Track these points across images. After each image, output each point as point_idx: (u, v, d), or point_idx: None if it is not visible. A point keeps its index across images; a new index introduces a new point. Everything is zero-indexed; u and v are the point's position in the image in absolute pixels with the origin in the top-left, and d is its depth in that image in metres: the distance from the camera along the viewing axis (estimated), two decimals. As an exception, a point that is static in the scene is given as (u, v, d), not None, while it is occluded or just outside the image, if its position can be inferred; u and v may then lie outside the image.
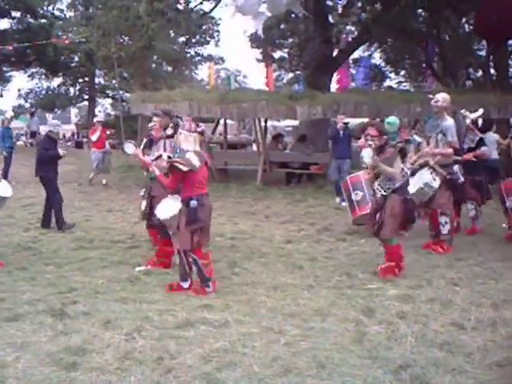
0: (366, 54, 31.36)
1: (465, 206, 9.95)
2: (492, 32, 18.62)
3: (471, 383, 4.37)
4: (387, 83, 34.26)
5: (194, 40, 37.91)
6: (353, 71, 31.90)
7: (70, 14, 40.09)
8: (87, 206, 12.96)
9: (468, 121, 9.54)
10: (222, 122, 20.47)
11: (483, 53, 27.52)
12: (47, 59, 37.44)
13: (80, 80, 43.91)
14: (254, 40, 27.98)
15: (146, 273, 7.36)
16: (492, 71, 26.02)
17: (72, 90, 44.73)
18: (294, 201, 13.84)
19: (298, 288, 6.76)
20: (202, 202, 6.43)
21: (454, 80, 25.42)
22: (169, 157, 6.77)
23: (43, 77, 43.49)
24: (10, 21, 38.57)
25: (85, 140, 33.28)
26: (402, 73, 35.52)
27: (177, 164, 6.28)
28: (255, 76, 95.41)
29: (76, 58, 41.12)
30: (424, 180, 8.29)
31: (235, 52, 63.56)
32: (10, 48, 30.74)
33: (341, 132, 13.12)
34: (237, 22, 33.68)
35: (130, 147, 7.62)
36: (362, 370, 4.53)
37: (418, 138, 10.25)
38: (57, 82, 43.88)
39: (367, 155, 7.09)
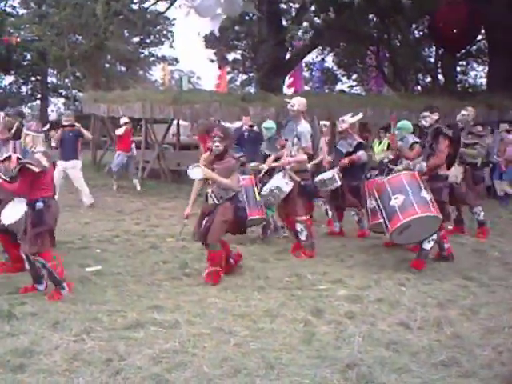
0: (319, 57, 31.68)
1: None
2: (451, 41, 19.02)
3: (417, 382, 4.46)
4: (339, 87, 34.72)
5: (148, 40, 37.77)
6: (306, 74, 32.14)
7: (22, 11, 39.45)
8: (37, 206, 12.74)
9: (345, 125, 9.56)
10: (174, 123, 20.45)
11: (432, 59, 28.14)
12: (-2, 57, 36.75)
13: (32, 78, 43.23)
14: (209, 41, 28.02)
15: (96, 273, 7.29)
16: (440, 77, 26.65)
17: (24, 88, 44.03)
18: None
19: (248, 289, 6.79)
20: (49, 204, 6.31)
21: (404, 85, 25.93)
22: (18, 158, 6.68)
23: (-6, 75, 42.68)
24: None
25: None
26: (354, 77, 36.02)
27: (28, 165, 6.09)
28: (209, 77, 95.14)
29: (28, 57, 40.47)
30: (275, 183, 8.30)
31: (189, 53, 63.34)
32: None
33: (245, 134, 12.70)
34: (191, 22, 33.67)
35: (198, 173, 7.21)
36: (310, 370, 4.59)
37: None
38: (8, 80, 43.15)
39: (197, 173, 7.08)
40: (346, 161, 9.48)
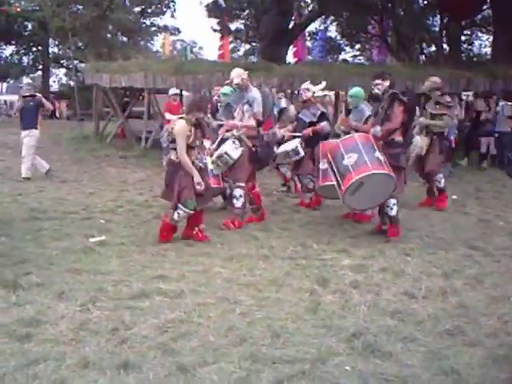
0: (322, 26, 31.37)
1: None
2: (458, 8, 18.78)
3: (422, 351, 4.47)
4: (342, 56, 34.43)
5: (149, 10, 37.37)
6: (309, 44, 31.87)
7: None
8: (41, 177, 12.73)
9: (309, 94, 9.43)
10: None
11: (436, 28, 27.83)
12: (-1, 27, 36.47)
13: (34, 49, 42.93)
14: (211, 10, 27.73)
15: (100, 244, 7.27)
16: (445, 46, 26.39)
17: (25, 59, 43.75)
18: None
19: (253, 258, 6.79)
20: None
21: (408, 54, 25.71)
22: None
23: (-5, 45, 42.41)
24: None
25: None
26: (357, 46, 35.70)
27: None
28: (211, 47, 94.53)
29: (29, 27, 40.16)
30: (224, 148, 8.17)
31: (191, 23, 62.92)
32: None
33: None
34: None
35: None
36: (316, 339, 4.59)
37: (282, 103, 10.42)
38: (9, 50, 42.88)
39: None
40: (308, 131, 9.37)
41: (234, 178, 8.39)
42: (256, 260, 6.72)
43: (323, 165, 8.58)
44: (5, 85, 45.91)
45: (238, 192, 8.27)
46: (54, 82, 49.48)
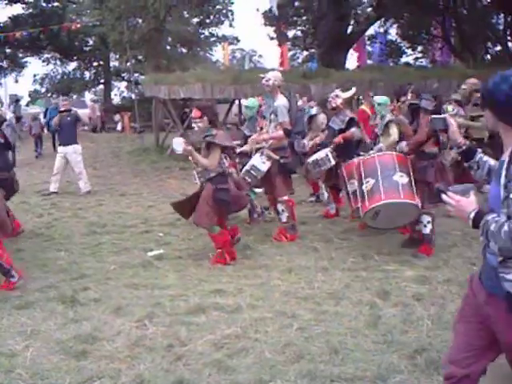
0: (382, 30, 30.94)
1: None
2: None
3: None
4: (404, 59, 33.85)
5: (207, 20, 37.63)
6: (369, 48, 31.49)
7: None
8: (101, 190, 12.92)
9: (340, 101, 8.84)
10: (236, 102, 20.37)
11: (501, 26, 27.09)
12: (61, 44, 37.45)
13: (95, 64, 43.85)
14: (268, 18, 27.74)
15: (158, 257, 7.29)
16: (510, 44, 25.64)
17: (87, 73, 44.74)
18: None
19: (312, 270, 6.65)
20: None
21: (472, 55, 25.05)
22: None
23: (58, 62, 43.50)
24: (23, 5, 38.52)
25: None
26: (419, 48, 35.05)
27: None
28: (270, 56, 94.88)
29: (90, 42, 41.07)
30: (252, 162, 7.88)
31: (250, 32, 63.15)
32: (17, 34, 30.36)
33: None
34: (251, 0, 33.38)
35: (178, 144, 6.97)
36: (376, 355, 4.43)
37: (313, 110, 10.01)
38: (72, 66, 43.93)
39: (178, 144, 6.81)
40: (339, 138, 8.80)
41: (275, 195, 8.21)
42: (315, 272, 6.59)
43: (351, 186, 8.10)
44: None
45: (279, 207, 8.10)
46: (116, 95, 50.44)
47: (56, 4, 38.09)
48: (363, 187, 7.21)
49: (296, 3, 26.51)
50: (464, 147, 3.40)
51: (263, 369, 4.28)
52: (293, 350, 4.56)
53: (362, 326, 5.02)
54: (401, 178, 7.02)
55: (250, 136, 8.83)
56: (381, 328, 4.97)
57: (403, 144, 7.27)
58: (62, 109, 12.89)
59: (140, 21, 23.28)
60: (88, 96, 46.44)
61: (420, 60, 35.43)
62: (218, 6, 33.68)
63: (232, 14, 36.25)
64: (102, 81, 44.27)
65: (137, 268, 6.85)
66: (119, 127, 34.53)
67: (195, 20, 35.60)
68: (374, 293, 5.83)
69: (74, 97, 46.21)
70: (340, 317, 5.24)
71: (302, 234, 8.37)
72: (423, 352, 4.43)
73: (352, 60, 27.47)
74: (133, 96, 26.75)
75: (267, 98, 8.43)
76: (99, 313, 5.44)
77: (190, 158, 6.94)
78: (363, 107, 12.11)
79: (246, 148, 8.67)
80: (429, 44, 32.97)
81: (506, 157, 2.76)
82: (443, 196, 2.89)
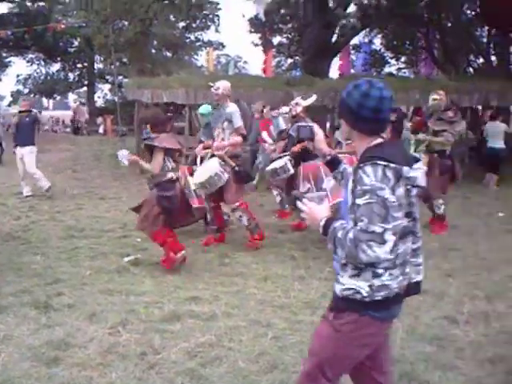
0: (366, 39, 31.08)
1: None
2: (501, 20, 18.30)
3: (462, 380, 4.27)
4: (387, 69, 34.01)
5: (194, 25, 37.62)
6: (353, 57, 31.62)
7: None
8: (80, 194, 12.84)
9: (299, 108, 8.67)
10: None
11: (484, 39, 27.32)
12: (45, 44, 37.27)
13: (79, 65, 43.68)
14: (254, 24, 27.76)
15: (134, 263, 7.24)
16: (493, 58, 25.87)
17: (71, 75, 44.53)
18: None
19: (288, 279, 6.65)
20: None
21: (455, 67, 25.24)
22: None
23: (42, 62, 43.28)
24: (9, 5, 38.30)
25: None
26: (403, 59, 35.25)
27: None
28: (256, 62, 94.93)
29: (75, 43, 40.91)
30: (213, 170, 7.76)
31: (236, 38, 63.14)
32: (1, 34, 30.10)
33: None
34: (237, 6, 33.41)
35: (123, 156, 6.89)
36: (349, 367, 4.42)
37: (281, 124, 9.87)
38: (56, 67, 43.73)
39: (123, 156, 6.76)
40: (297, 147, 8.54)
41: (226, 201, 8.15)
42: (291, 281, 6.59)
43: (303, 187, 8.16)
44: (51, 101, 46.85)
45: (237, 214, 8.05)
46: (99, 97, 50.22)
47: (42, 4, 37.85)
48: (324, 185, 7.40)
49: (282, 10, 26.54)
50: (329, 157, 3.44)
51: (236, 378, 4.26)
52: (266, 359, 4.55)
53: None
54: None
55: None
56: (355, 339, 4.96)
57: None
58: (22, 109, 12.65)
59: (126, 23, 23.15)
60: (71, 97, 46.32)
61: (403, 70, 35.65)
62: (204, 11, 33.65)
63: (218, 20, 36.36)
64: (86, 83, 44.11)
65: (112, 273, 6.79)
66: (101, 130, 34.41)
67: (181, 24, 35.58)
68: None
69: (58, 98, 46.06)
70: (315, 326, 5.19)
71: (280, 242, 8.37)
72: (397, 363, 4.42)
73: (335, 69, 27.53)
74: (116, 99, 26.60)
75: (216, 107, 8.46)
76: (72, 319, 5.38)
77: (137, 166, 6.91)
78: None
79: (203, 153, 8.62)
80: (412, 55, 33.18)
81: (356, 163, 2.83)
82: (298, 203, 2.95)
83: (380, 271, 2.74)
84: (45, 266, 7.08)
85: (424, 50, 28.77)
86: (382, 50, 33.31)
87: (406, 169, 2.71)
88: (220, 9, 35.74)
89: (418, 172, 2.80)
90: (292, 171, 8.52)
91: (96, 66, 43.07)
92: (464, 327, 5.24)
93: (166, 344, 4.83)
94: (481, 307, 5.73)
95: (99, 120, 35.83)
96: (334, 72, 26.22)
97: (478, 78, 19.00)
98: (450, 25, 26.00)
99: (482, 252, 7.84)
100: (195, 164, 8.92)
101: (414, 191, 2.80)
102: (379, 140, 2.86)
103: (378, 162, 2.66)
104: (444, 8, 23.78)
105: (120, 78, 30.32)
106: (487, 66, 25.92)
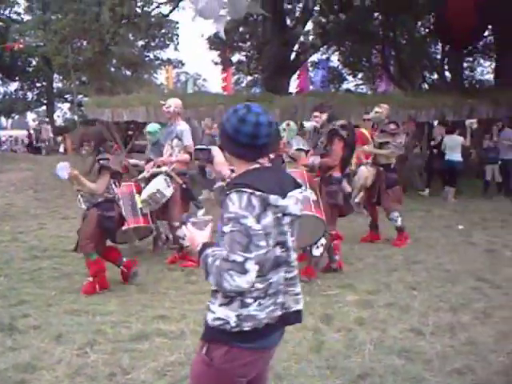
0: (324, 56, 31.50)
1: None
2: (459, 38, 18.70)
3: (430, 391, 4.33)
4: (345, 86, 34.49)
5: (153, 43, 37.66)
6: (311, 74, 31.98)
7: (27, 17, 39.54)
8: (42, 214, 12.67)
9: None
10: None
11: (438, 56, 27.91)
12: (3, 63, 36.84)
13: (38, 84, 43.30)
14: (213, 43, 27.91)
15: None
16: (447, 74, 26.43)
17: (30, 94, 44.12)
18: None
19: (255, 295, 6.63)
20: None
21: (410, 83, 25.73)
22: None
23: (0, 81, 42.82)
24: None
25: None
26: (360, 75, 35.79)
27: None
28: (215, 79, 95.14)
29: (33, 62, 40.57)
30: (156, 186, 7.74)
31: (195, 56, 63.33)
32: None
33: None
34: (196, 24, 33.55)
35: (63, 169, 6.63)
36: (320, 381, 4.45)
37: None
38: (14, 86, 43.29)
39: (62, 169, 6.57)
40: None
41: (169, 218, 8.04)
42: (258, 297, 6.56)
43: None
44: (10, 120, 46.31)
45: (180, 232, 7.84)
46: (59, 116, 49.79)
47: (-1, 23, 37.56)
48: None
49: (241, 28, 26.75)
50: (228, 180, 3.38)
51: (207, 396, 4.24)
52: (237, 376, 4.53)
53: (306, 351, 5.04)
54: (311, 195, 7.02)
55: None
56: (324, 353, 4.99)
57: (318, 160, 7.35)
58: None
59: (85, 43, 23.05)
60: (30, 116, 45.84)
61: (361, 87, 36.21)
62: (163, 30, 33.69)
63: (177, 38, 36.43)
64: (45, 102, 43.71)
65: (78, 294, 6.70)
66: (62, 149, 34.03)
67: (140, 43, 35.55)
68: (318, 317, 5.87)
69: (16, 117, 45.53)
70: (284, 342, 5.21)
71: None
72: (366, 377, 4.48)
73: (294, 85, 27.79)
74: (76, 118, 26.40)
75: (165, 125, 8.46)
76: (39, 341, 5.29)
77: (74, 182, 6.68)
78: (362, 130, 12.12)
79: (152, 170, 8.39)
80: (369, 72, 33.72)
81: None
82: (183, 227, 2.89)
83: (249, 301, 2.66)
84: (8, 288, 6.96)
85: (380, 67, 29.26)
86: (340, 67, 33.81)
87: (273, 197, 2.61)
88: (178, 28, 35.86)
89: (291, 200, 2.72)
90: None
91: (55, 84, 42.74)
92: (430, 339, 5.30)
93: (134, 364, 4.79)
94: (446, 319, 5.81)
95: (59, 139, 35.44)
96: (293, 89, 26.47)
97: (433, 93, 19.36)
98: (404, 42, 26.50)
99: (445, 264, 7.96)
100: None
101: (287, 219, 2.72)
102: (255, 165, 2.78)
103: (244, 189, 2.58)
104: (398, 25, 24.26)
105: (80, 96, 30.15)
106: (441, 81, 26.47)
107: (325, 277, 7.35)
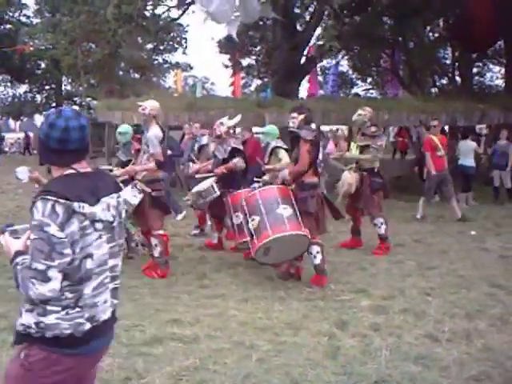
0: (334, 61, 31.47)
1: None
2: (474, 42, 18.62)
3: (448, 398, 4.29)
4: (355, 90, 34.47)
5: (161, 47, 37.76)
6: (321, 79, 31.97)
7: (36, 20, 39.71)
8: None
9: (224, 128, 8.64)
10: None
11: (448, 60, 27.83)
12: (12, 66, 36.97)
13: (47, 87, 43.45)
14: (223, 46, 27.92)
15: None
16: (457, 78, 26.35)
17: (39, 97, 44.28)
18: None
19: (269, 300, 6.61)
20: None
21: (420, 87, 25.63)
22: None
23: (9, 84, 42.99)
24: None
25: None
26: (369, 80, 35.77)
27: None
28: (223, 83, 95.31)
29: (42, 65, 40.72)
30: (123, 196, 7.59)
31: (203, 59, 63.30)
32: None
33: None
34: (205, 28, 33.63)
35: (23, 172, 6.48)
36: (337, 387, 4.42)
37: (204, 139, 10.17)
38: (23, 88, 43.48)
39: (22, 172, 6.41)
40: (220, 169, 8.58)
41: (146, 228, 7.88)
42: (272, 302, 6.55)
43: (237, 219, 8.00)
44: (18, 123, 46.46)
45: (153, 241, 7.71)
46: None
47: (8, 26, 37.63)
48: (249, 225, 7.12)
49: (250, 32, 26.75)
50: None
51: (223, 401, 4.22)
52: (253, 381, 4.51)
53: (322, 357, 5.01)
54: (284, 211, 6.97)
55: (125, 162, 8.64)
56: (340, 359, 4.96)
57: (286, 172, 7.28)
58: None
59: (94, 46, 23.12)
60: (39, 119, 45.88)
61: (370, 91, 36.17)
62: (172, 34, 33.77)
63: (186, 42, 36.53)
64: (54, 104, 43.84)
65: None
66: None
67: (149, 46, 35.63)
68: (332, 323, 5.83)
69: (25, 119, 45.72)
70: (299, 347, 5.21)
71: (256, 263, 8.18)
72: (383, 383, 4.43)
73: (304, 90, 27.75)
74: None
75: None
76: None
77: (36, 185, 6.59)
78: (432, 136, 12.01)
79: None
80: (378, 76, 33.66)
81: None
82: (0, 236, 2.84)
83: (53, 309, 2.63)
84: (21, 291, 6.94)
85: (390, 72, 29.20)
86: (350, 72, 33.79)
87: (77, 204, 2.59)
88: (187, 31, 35.98)
89: (100, 206, 2.72)
90: (218, 193, 8.42)
91: (64, 87, 42.88)
92: (446, 346, 5.26)
93: (149, 368, 4.76)
94: (462, 325, 5.76)
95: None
96: (303, 93, 26.46)
97: (443, 98, 19.30)
98: (414, 46, 26.43)
99: (459, 270, 7.92)
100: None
101: (99, 226, 2.71)
102: (69, 171, 2.75)
103: (48, 197, 2.56)
104: (408, 30, 24.18)
105: (88, 99, 30.21)
106: (452, 86, 26.38)
107: (338, 282, 7.31)
